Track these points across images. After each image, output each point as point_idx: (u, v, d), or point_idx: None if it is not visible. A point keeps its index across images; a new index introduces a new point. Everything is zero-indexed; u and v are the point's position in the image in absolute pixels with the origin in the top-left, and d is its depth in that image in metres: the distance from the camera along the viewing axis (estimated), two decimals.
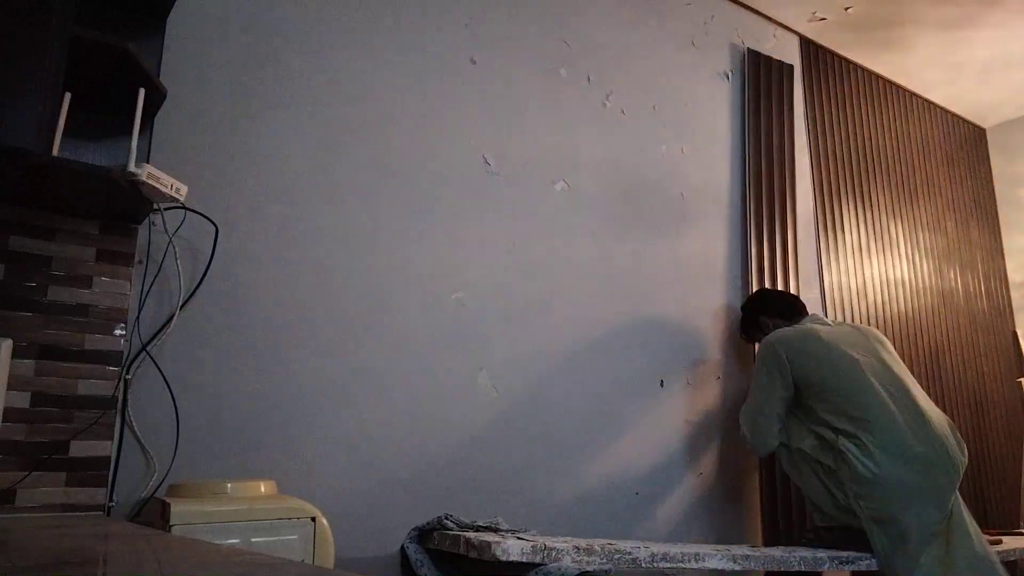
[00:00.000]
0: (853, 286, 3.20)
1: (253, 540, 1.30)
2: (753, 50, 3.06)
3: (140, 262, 1.63)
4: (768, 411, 2.22)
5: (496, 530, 1.71)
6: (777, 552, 1.84)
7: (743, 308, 2.61)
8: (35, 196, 1.46)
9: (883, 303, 3.32)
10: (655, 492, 2.34)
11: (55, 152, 1.39)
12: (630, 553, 1.59)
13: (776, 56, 3.18)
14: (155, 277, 1.65)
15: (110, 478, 1.51)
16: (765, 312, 2.49)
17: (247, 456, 1.68)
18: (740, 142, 2.94)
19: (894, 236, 3.48)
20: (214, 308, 1.71)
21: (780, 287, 2.86)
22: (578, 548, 1.54)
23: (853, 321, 3.14)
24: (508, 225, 2.23)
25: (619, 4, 2.70)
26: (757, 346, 2.61)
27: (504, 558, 1.46)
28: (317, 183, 1.91)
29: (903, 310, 3.40)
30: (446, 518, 1.74)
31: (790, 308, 2.46)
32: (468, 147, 2.21)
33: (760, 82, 3.05)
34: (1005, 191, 4.18)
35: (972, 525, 2.07)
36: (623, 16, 2.70)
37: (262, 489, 1.45)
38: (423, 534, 1.77)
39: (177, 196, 1.50)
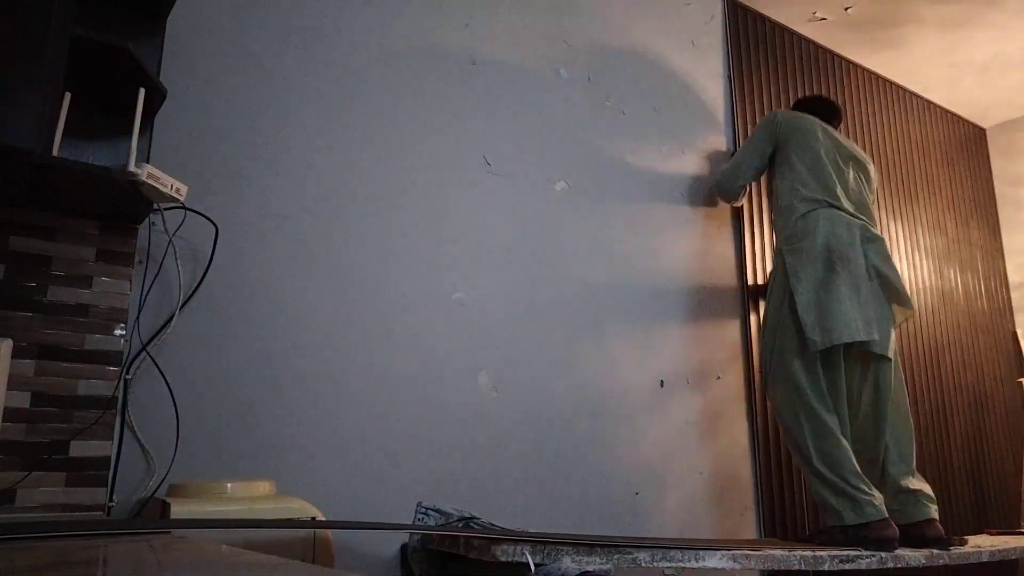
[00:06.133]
0: None
1: (253, 540, 1.30)
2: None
3: (140, 262, 1.63)
4: (745, 159, 2.61)
5: (471, 525, 1.72)
6: (777, 552, 1.84)
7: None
8: (35, 196, 1.46)
9: None
10: (655, 492, 2.34)
11: (55, 152, 1.39)
12: (630, 553, 1.59)
13: (774, 55, 3.18)
14: (155, 277, 1.65)
15: (110, 478, 1.51)
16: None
17: (247, 456, 1.68)
18: (737, 142, 2.94)
19: (894, 236, 3.48)
20: (214, 308, 1.71)
21: None
22: (578, 548, 1.54)
23: None
24: (508, 225, 2.23)
25: (619, 4, 2.70)
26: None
27: (504, 558, 1.46)
28: (316, 182, 1.91)
29: None
30: (426, 510, 1.74)
31: (817, 106, 2.69)
32: (468, 147, 2.21)
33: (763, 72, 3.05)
34: (1005, 191, 4.18)
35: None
36: (623, 16, 2.70)
37: (262, 489, 1.45)
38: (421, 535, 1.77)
39: (177, 196, 1.50)
